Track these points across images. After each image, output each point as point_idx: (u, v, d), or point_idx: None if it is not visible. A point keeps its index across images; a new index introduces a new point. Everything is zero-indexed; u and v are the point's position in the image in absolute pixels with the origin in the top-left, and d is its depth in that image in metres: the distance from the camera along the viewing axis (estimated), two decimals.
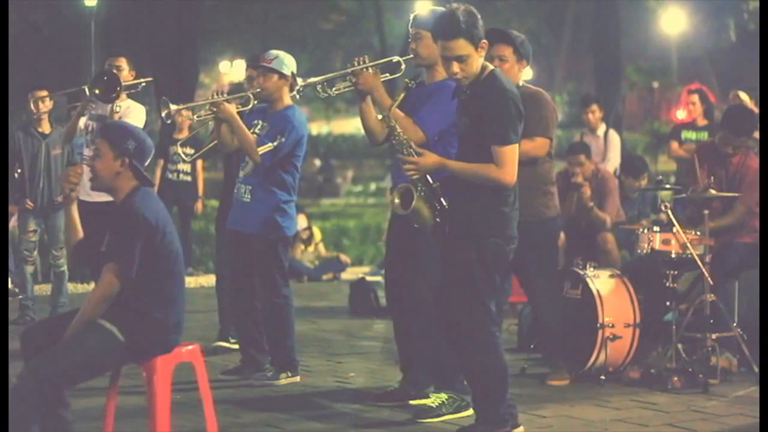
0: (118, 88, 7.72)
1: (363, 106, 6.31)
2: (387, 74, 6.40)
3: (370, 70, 6.13)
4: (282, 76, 7.05)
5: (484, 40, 5.42)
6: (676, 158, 11.68)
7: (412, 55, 6.29)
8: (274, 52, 7.16)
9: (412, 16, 6.35)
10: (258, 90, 7.10)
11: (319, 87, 6.40)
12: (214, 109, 6.98)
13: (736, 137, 7.75)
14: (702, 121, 11.36)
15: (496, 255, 5.41)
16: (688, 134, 11.42)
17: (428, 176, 5.58)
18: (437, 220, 5.57)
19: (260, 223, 7.03)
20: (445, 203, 5.58)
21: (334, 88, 6.41)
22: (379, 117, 6.26)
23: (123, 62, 8.14)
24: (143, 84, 8.19)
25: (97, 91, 7.70)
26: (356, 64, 6.18)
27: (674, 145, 11.45)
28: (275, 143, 6.93)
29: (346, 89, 6.35)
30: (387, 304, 6.73)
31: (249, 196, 7.06)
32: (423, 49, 6.21)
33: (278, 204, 7.05)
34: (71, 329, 4.97)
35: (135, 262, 4.98)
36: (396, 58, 6.47)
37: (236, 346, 7.85)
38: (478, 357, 5.47)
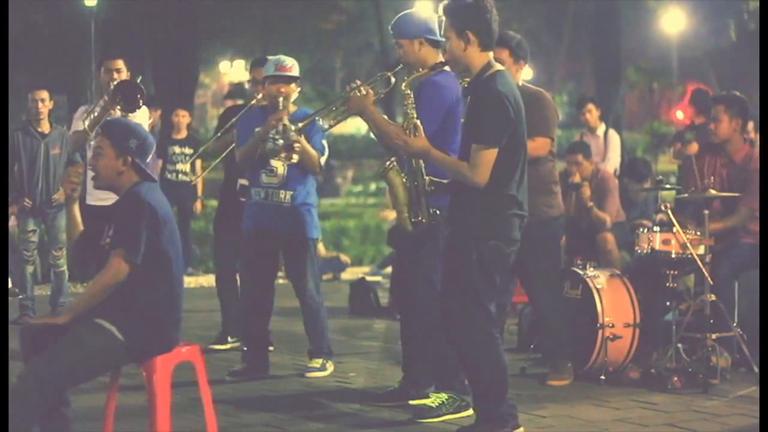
0: (140, 97, 7.61)
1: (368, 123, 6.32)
2: (380, 91, 6.41)
3: (363, 90, 6.10)
4: (297, 79, 7.30)
5: (472, 36, 5.37)
6: (678, 158, 11.66)
7: (401, 65, 6.36)
8: (286, 59, 7.26)
9: (390, 26, 6.41)
10: (282, 98, 7.16)
11: (321, 121, 6.42)
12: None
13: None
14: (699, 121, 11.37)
15: (495, 257, 5.40)
16: (691, 135, 11.44)
17: (422, 167, 5.68)
18: (412, 216, 5.65)
19: (307, 223, 7.28)
20: (426, 203, 5.64)
21: (332, 118, 6.40)
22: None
23: (120, 64, 8.09)
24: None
25: (120, 101, 7.61)
26: (348, 89, 6.15)
27: (676, 146, 11.45)
28: (326, 151, 7.26)
29: (344, 115, 6.32)
30: (393, 305, 6.75)
31: (290, 200, 7.22)
32: (406, 57, 6.30)
33: (315, 204, 7.39)
34: (71, 307, 5.00)
35: (141, 246, 4.98)
36: (385, 74, 6.46)
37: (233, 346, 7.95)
38: (477, 358, 5.47)
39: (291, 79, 7.21)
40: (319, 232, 7.45)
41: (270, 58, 7.38)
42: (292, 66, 7.23)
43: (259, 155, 7.15)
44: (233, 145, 7.71)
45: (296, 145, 6.93)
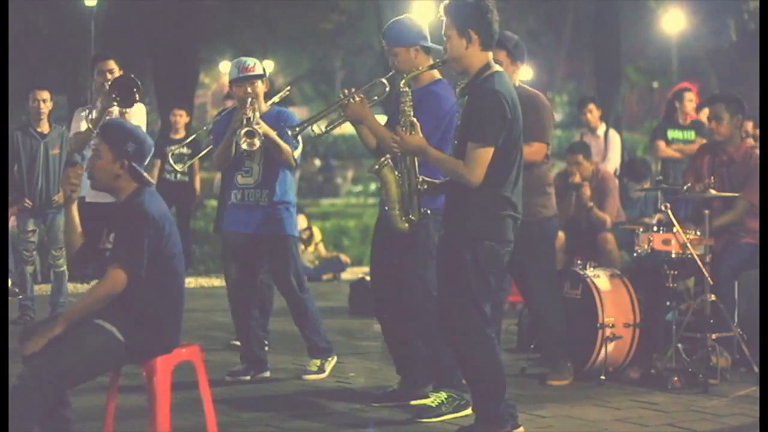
0: (136, 91, 7.59)
1: (360, 130, 6.28)
2: (375, 97, 6.39)
3: (357, 97, 6.04)
4: (262, 77, 7.21)
5: (474, 35, 5.36)
6: (663, 158, 11.59)
7: (393, 71, 6.34)
8: (248, 60, 7.20)
9: (381, 34, 6.38)
10: (251, 98, 7.09)
11: (314, 127, 6.40)
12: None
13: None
14: (690, 118, 11.36)
15: (490, 258, 5.40)
16: (674, 134, 11.41)
17: (416, 166, 5.67)
18: (403, 215, 5.66)
19: (285, 223, 7.21)
20: (418, 202, 5.65)
21: (328, 125, 6.38)
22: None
23: (112, 64, 8.06)
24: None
25: (116, 98, 7.58)
26: (343, 96, 6.09)
27: (662, 144, 11.41)
28: (299, 145, 7.13)
29: (339, 122, 6.27)
30: (376, 307, 6.69)
31: (267, 199, 7.15)
32: (401, 65, 6.28)
33: (293, 202, 7.29)
34: (67, 315, 5.00)
35: (144, 260, 4.98)
36: (380, 80, 6.45)
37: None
38: (473, 358, 5.47)
39: (256, 78, 7.15)
40: (297, 228, 7.37)
41: (231, 62, 7.30)
42: (255, 65, 7.16)
43: (235, 156, 7.13)
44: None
45: (257, 126, 6.92)
